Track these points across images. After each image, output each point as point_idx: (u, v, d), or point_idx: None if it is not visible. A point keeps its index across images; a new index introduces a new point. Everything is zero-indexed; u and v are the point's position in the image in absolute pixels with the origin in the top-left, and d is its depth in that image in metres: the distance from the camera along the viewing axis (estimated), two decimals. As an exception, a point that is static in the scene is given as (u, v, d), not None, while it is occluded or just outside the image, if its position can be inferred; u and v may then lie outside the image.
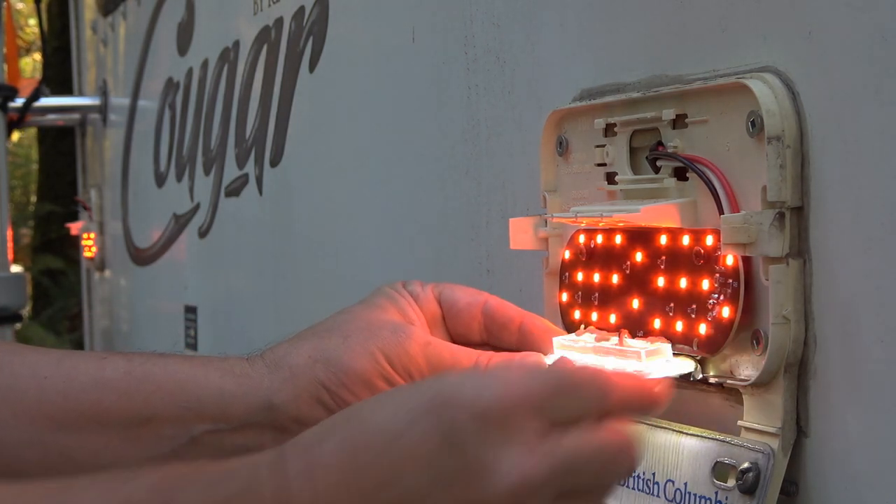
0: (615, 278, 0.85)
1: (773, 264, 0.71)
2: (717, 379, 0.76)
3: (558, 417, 0.60)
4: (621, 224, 0.82)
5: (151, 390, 0.78)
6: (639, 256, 0.82)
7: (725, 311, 0.74)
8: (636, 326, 0.81)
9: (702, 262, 0.76)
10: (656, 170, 0.82)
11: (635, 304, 0.82)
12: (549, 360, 0.81)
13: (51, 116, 3.64)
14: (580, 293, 0.88)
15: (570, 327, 0.89)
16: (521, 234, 0.92)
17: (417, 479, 0.59)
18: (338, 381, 0.78)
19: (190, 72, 2.21)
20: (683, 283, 0.78)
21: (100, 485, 0.59)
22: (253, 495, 0.59)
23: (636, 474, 0.81)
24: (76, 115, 3.65)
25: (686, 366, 0.77)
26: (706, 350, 0.76)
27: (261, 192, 1.78)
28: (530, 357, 0.81)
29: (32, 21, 10.23)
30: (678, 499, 0.78)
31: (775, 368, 0.72)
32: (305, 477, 0.60)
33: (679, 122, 0.79)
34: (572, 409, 0.61)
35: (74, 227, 3.59)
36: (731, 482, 0.73)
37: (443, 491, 0.59)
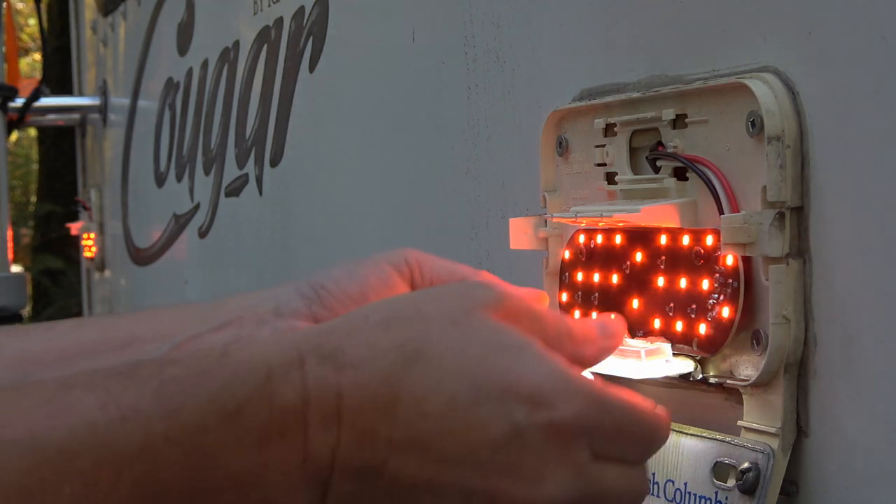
0: (615, 278, 0.85)
1: (773, 264, 0.71)
2: (716, 379, 0.76)
3: (609, 454, 0.63)
4: (621, 224, 0.82)
5: (131, 321, 0.79)
6: (639, 256, 0.82)
7: (725, 311, 0.74)
8: (636, 326, 0.81)
9: (702, 262, 0.76)
10: (656, 170, 0.82)
11: (635, 304, 0.82)
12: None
13: (51, 116, 3.64)
14: (580, 293, 0.88)
15: (570, 327, 0.89)
16: (521, 234, 0.92)
17: (471, 457, 0.59)
18: (324, 277, 0.74)
19: (190, 72, 2.21)
20: (683, 283, 0.78)
21: (100, 389, 0.56)
22: (265, 404, 0.57)
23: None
24: (76, 115, 3.65)
25: (686, 366, 0.77)
26: (706, 350, 0.76)
27: (261, 192, 1.78)
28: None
29: (32, 21, 10.23)
30: (678, 499, 0.78)
31: (775, 368, 0.72)
32: (327, 397, 0.58)
33: (679, 122, 0.79)
34: (623, 450, 0.63)
35: (74, 227, 3.59)
36: (731, 482, 0.73)
37: (487, 478, 0.59)
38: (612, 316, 0.72)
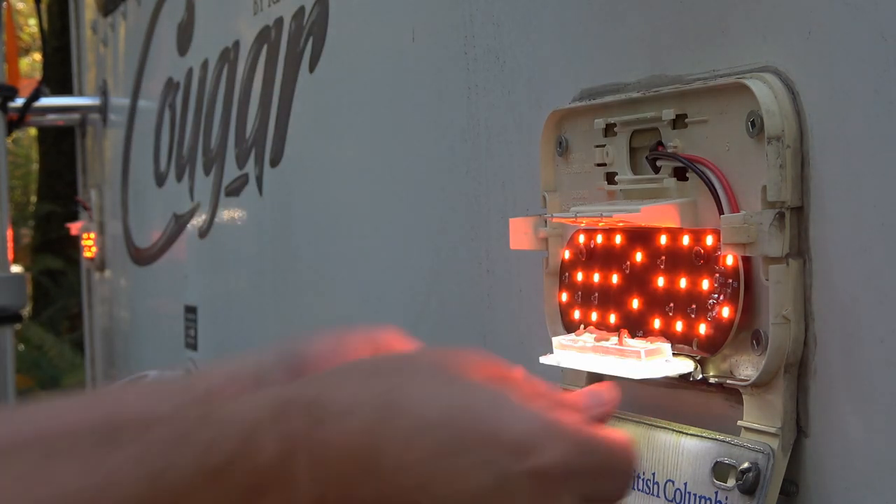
0: (615, 278, 0.85)
1: (772, 264, 0.71)
2: (716, 379, 0.76)
3: (592, 495, 0.62)
4: (621, 224, 0.82)
5: (114, 401, 0.77)
6: (639, 256, 0.82)
7: (725, 311, 0.74)
8: (636, 326, 0.81)
9: (702, 262, 0.76)
10: (656, 170, 0.82)
11: (635, 303, 0.82)
12: (549, 360, 0.80)
13: (51, 116, 3.64)
14: (580, 293, 0.88)
15: (570, 327, 0.89)
16: (521, 234, 0.92)
17: None
18: (308, 349, 0.74)
19: (190, 72, 2.21)
20: (683, 283, 0.78)
21: (81, 456, 0.56)
22: (250, 459, 0.57)
23: (636, 474, 0.81)
24: (76, 115, 3.65)
25: (686, 366, 0.77)
26: (706, 350, 0.76)
27: (261, 192, 1.78)
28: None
29: (32, 21, 10.24)
30: (678, 499, 0.78)
31: (775, 368, 0.72)
32: (311, 450, 0.58)
33: (679, 122, 0.79)
34: (605, 489, 0.63)
35: (74, 227, 3.59)
36: (731, 482, 0.73)
37: None
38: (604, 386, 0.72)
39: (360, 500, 0.59)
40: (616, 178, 0.86)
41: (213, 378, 0.74)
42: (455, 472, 0.59)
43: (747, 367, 0.74)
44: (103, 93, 3.28)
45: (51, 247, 7.20)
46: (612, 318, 0.84)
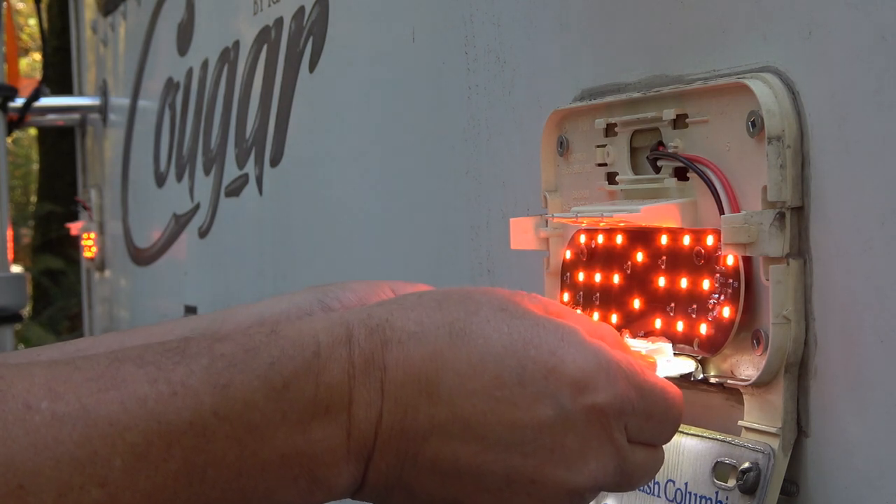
0: (616, 278, 0.85)
1: (773, 264, 0.71)
2: (717, 379, 0.76)
3: (641, 436, 0.66)
4: (622, 224, 0.82)
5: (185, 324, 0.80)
6: (639, 256, 0.82)
7: (726, 311, 0.74)
8: (637, 326, 0.81)
9: (702, 262, 0.76)
10: (657, 170, 0.82)
11: (636, 304, 0.82)
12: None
13: (51, 116, 3.65)
14: (581, 293, 0.88)
15: (571, 327, 0.89)
16: (522, 233, 0.92)
17: (514, 436, 0.60)
18: (344, 292, 0.76)
19: (190, 72, 2.21)
20: (684, 283, 0.78)
21: (151, 365, 0.56)
22: (315, 377, 0.58)
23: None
24: (76, 115, 3.66)
25: (687, 366, 0.77)
26: (707, 350, 0.76)
27: (261, 192, 1.78)
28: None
29: (32, 21, 10.23)
30: (679, 499, 0.78)
31: (776, 368, 0.72)
32: (372, 371, 0.59)
33: (679, 122, 0.79)
34: (653, 433, 0.67)
35: (74, 227, 3.59)
36: (732, 482, 0.73)
37: (530, 458, 0.60)
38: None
39: (414, 426, 0.60)
40: (617, 178, 0.86)
41: (239, 321, 0.76)
42: (516, 402, 0.60)
43: (748, 367, 0.74)
44: (103, 93, 3.28)
45: (51, 247, 7.20)
46: (614, 318, 0.84)
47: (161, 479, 0.54)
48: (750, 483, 0.72)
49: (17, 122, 3.42)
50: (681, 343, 0.78)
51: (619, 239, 0.85)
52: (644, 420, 0.65)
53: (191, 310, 2.26)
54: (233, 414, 0.56)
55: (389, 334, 0.60)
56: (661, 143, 0.81)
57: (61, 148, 6.66)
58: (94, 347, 0.76)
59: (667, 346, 0.77)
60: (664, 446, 0.69)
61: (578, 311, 0.72)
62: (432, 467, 0.60)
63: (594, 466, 0.62)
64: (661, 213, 0.77)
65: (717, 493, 0.75)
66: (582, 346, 0.63)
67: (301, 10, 1.57)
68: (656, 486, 0.80)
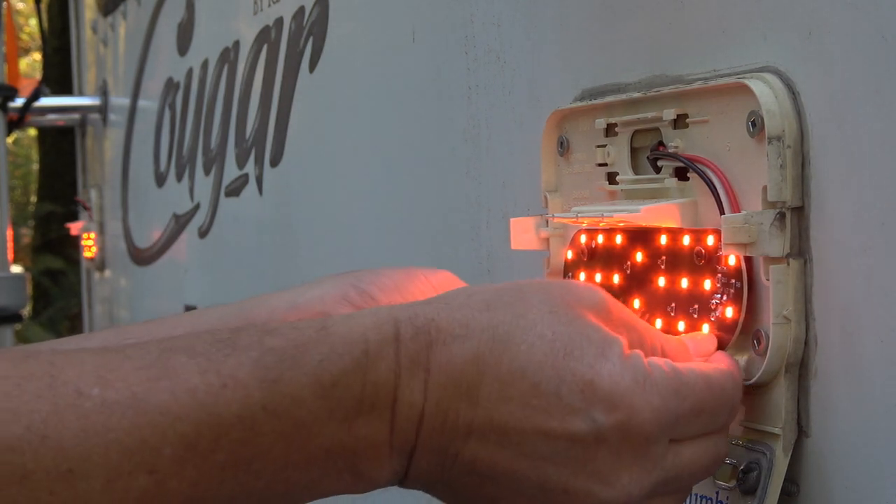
0: (617, 278, 0.85)
1: (773, 264, 0.71)
2: (717, 379, 0.76)
3: (688, 434, 0.65)
4: (622, 224, 0.82)
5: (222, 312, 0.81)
6: (640, 256, 0.82)
7: (729, 312, 0.74)
8: (637, 326, 0.81)
9: (703, 262, 0.76)
10: (657, 170, 0.82)
11: (637, 304, 0.82)
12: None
13: (51, 116, 3.65)
14: (581, 293, 0.88)
15: (571, 327, 0.89)
16: (523, 234, 0.92)
17: (549, 446, 0.60)
18: (371, 284, 0.76)
19: (190, 72, 2.21)
20: (685, 283, 0.78)
21: (201, 356, 0.56)
22: (363, 375, 0.58)
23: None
24: (76, 115, 3.66)
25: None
26: (708, 350, 0.76)
27: (261, 192, 1.78)
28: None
29: (32, 21, 10.24)
30: (679, 499, 0.78)
31: (776, 368, 0.72)
32: (417, 373, 0.60)
33: (680, 122, 0.79)
34: (704, 426, 0.66)
35: (74, 227, 3.60)
36: (732, 482, 0.73)
37: (563, 468, 0.61)
38: (706, 331, 0.74)
39: (454, 429, 0.60)
40: (617, 178, 0.86)
41: (273, 307, 0.76)
42: (549, 412, 0.60)
43: (748, 368, 0.74)
44: (103, 93, 3.28)
45: (51, 247, 7.20)
46: (613, 318, 0.84)
47: (208, 468, 0.54)
48: (750, 483, 0.72)
49: (17, 122, 3.42)
50: (681, 343, 0.77)
51: (620, 239, 0.85)
52: (693, 417, 0.64)
53: (191, 309, 2.26)
54: (281, 409, 0.56)
55: (434, 335, 0.61)
56: (661, 143, 0.81)
57: (61, 148, 6.66)
58: (148, 333, 0.76)
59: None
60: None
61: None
62: (471, 468, 0.61)
63: (626, 481, 0.62)
64: (662, 213, 0.77)
65: (717, 493, 0.75)
66: (619, 360, 0.62)
67: (301, 10, 1.57)
68: (657, 486, 0.80)
